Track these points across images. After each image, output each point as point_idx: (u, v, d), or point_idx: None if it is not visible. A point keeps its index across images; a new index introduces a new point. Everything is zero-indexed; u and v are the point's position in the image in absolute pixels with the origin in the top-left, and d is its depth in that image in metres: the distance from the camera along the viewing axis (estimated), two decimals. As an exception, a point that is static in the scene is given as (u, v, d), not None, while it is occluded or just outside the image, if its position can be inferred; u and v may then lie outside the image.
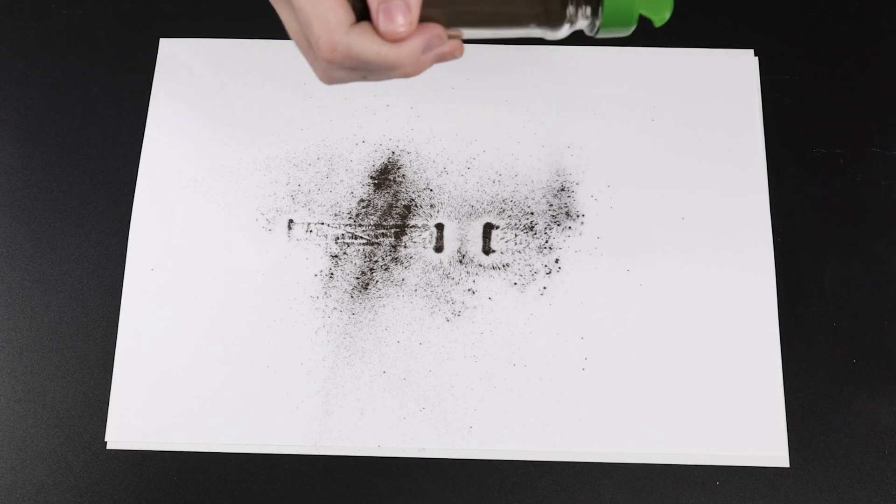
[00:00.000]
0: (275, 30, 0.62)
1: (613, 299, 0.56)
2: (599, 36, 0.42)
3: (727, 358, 0.54)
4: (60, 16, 0.63)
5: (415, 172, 0.59)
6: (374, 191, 0.58)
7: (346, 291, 0.56)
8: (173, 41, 0.62)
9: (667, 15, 0.42)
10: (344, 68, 0.40)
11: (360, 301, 0.56)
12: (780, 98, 0.61)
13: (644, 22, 0.41)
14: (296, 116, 0.60)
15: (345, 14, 0.38)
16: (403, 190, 0.58)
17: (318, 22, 0.38)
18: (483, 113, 0.60)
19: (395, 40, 0.38)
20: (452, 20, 0.40)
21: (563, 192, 0.58)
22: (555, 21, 0.41)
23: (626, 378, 0.54)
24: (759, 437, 0.53)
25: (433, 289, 0.56)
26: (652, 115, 0.60)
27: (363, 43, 0.38)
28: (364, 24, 0.38)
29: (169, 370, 0.54)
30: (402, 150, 0.59)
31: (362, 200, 0.58)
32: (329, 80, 0.42)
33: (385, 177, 0.59)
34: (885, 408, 0.54)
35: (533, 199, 0.58)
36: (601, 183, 0.58)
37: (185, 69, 0.61)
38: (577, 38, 0.61)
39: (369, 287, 0.56)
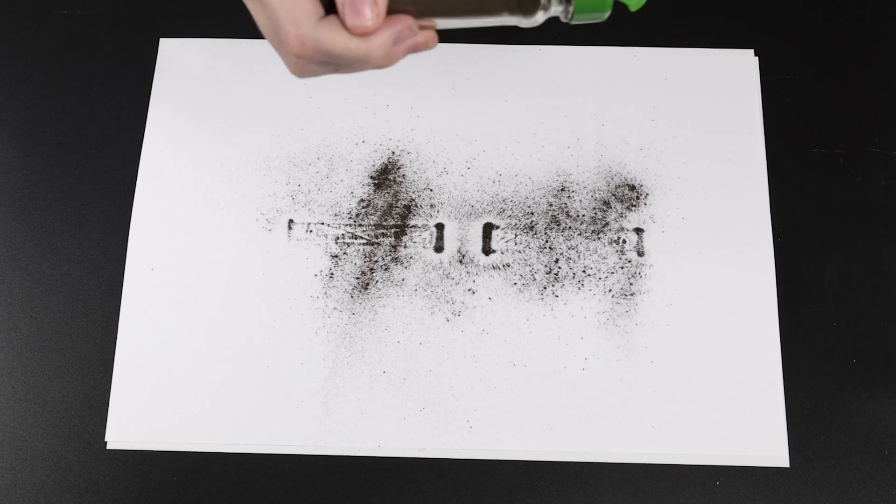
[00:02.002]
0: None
1: (613, 299, 0.56)
2: (574, 22, 0.42)
3: (727, 358, 0.54)
4: (60, 16, 0.63)
5: (415, 172, 0.59)
6: (374, 191, 0.58)
7: (346, 291, 0.56)
8: (173, 41, 0.62)
9: (640, 0, 0.42)
10: (315, 62, 0.40)
11: (360, 301, 0.56)
12: (780, 98, 0.61)
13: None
14: (296, 116, 0.60)
15: (312, 8, 0.38)
16: (403, 190, 0.58)
17: (286, 17, 0.38)
18: (483, 113, 0.60)
19: (363, 34, 0.38)
20: (423, 10, 0.40)
21: (563, 192, 0.58)
22: (527, 8, 0.40)
23: (625, 378, 0.54)
24: (759, 437, 0.53)
25: (433, 289, 0.56)
26: (652, 115, 0.60)
27: (331, 37, 0.38)
28: (332, 18, 0.38)
29: (169, 370, 0.54)
30: (402, 150, 0.59)
31: (362, 200, 0.58)
32: (301, 73, 0.41)
33: (385, 177, 0.59)
34: (885, 408, 0.54)
35: (533, 199, 0.58)
36: (601, 183, 0.58)
37: (185, 69, 0.61)
38: (577, 39, 0.62)
39: (369, 287, 0.56)
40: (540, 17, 0.41)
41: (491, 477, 0.53)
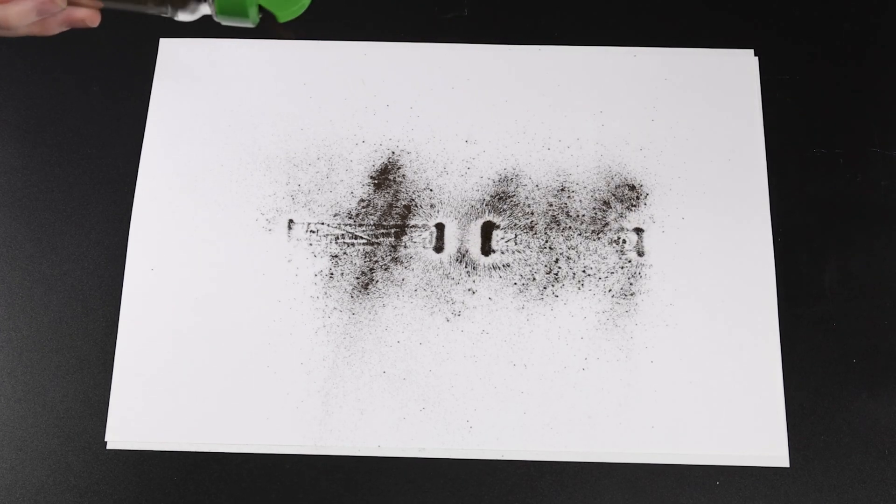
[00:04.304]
0: (275, 30, 0.62)
1: (613, 299, 0.56)
2: (224, 23, 0.47)
3: (727, 358, 0.54)
4: (60, 16, 0.63)
5: (415, 172, 0.59)
6: (374, 191, 0.58)
7: (346, 291, 0.56)
8: (173, 41, 0.62)
9: (291, 13, 0.47)
10: None
11: (360, 301, 0.56)
12: (780, 98, 0.61)
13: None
14: (296, 116, 0.60)
15: None
16: (403, 190, 0.58)
17: None
18: (483, 113, 0.60)
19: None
20: None
21: (563, 192, 0.58)
22: (177, 3, 0.47)
23: (625, 378, 0.54)
24: (759, 437, 0.53)
25: (433, 289, 0.56)
26: (652, 115, 0.60)
27: None
28: None
29: (169, 370, 0.54)
30: (402, 150, 0.59)
31: (362, 200, 0.58)
32: None
33: (385, 177, 0.59)
34: (885, 408, 0.54)
35: (533, 199, 0.58)
36: (601, 183, 0.58)
37: (185, 69, 0.61)
38: (577, 39, 0.62)
39: (369, 287, 0.56)
40: (190, 14, 0.47)
41: (491, 477, 0.53)
